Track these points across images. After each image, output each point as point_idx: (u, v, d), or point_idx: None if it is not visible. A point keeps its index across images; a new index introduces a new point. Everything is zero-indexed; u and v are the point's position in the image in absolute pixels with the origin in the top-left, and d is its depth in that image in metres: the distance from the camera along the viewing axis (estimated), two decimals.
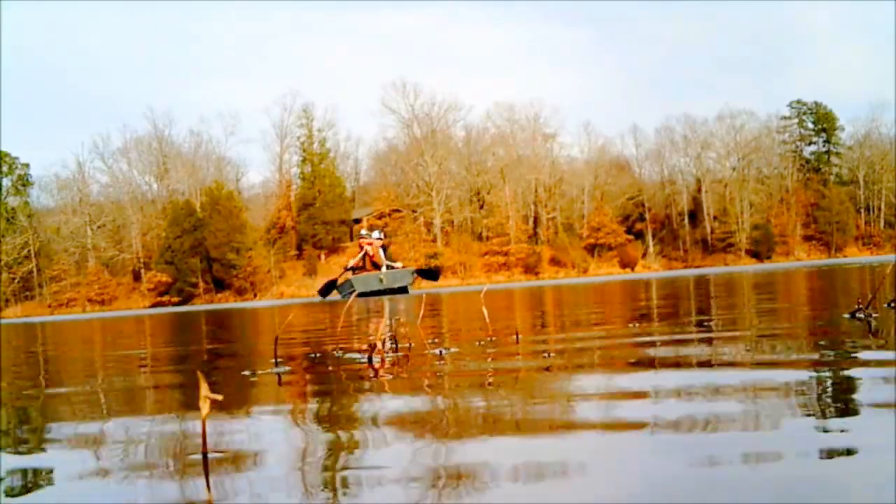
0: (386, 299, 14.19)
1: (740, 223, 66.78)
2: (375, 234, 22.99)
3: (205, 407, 1.11)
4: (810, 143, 72.76)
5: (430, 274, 25.78)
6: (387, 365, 2.60)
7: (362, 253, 22.27)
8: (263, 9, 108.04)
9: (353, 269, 22.00)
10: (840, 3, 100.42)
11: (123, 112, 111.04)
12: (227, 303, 49.72)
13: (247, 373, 2.65)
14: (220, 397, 1.20)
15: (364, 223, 25.39)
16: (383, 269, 21.19)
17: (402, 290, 20.02)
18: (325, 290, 22.48)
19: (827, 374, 1.83)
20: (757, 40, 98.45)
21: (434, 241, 63.18)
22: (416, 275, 23.61)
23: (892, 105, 70.89)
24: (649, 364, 2.23)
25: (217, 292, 58.56)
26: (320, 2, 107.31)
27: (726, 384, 1.74)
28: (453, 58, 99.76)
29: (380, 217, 59.45)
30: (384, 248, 22.23)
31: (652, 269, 60.83)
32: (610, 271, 60.49)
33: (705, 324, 3.56)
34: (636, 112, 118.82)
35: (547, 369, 2.27)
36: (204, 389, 1.11)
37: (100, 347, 5.40)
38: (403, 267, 22.62)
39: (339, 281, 22.13)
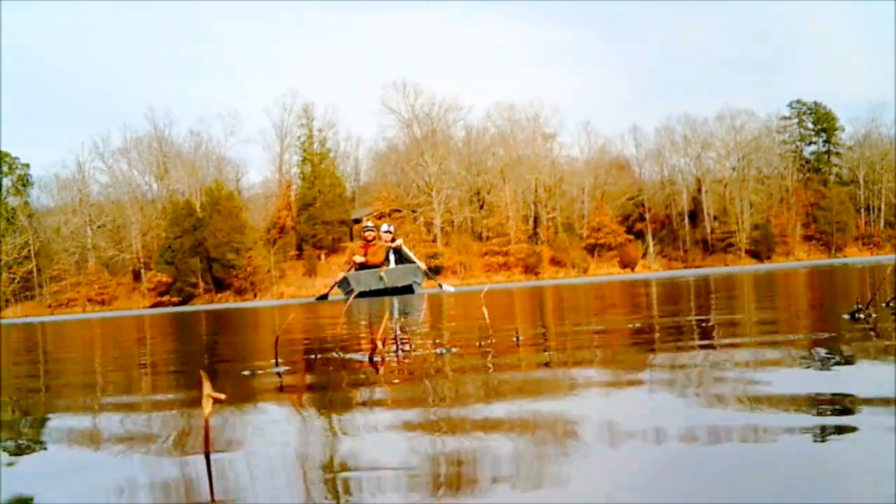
0: (393, 299, 13.68)
1: (740, 223, 66.81)
2: (385, 227, 19.92)
3: (207, 406, 1.11)
4: (810, 143, 72.85)
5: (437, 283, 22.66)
6: (387, 365, 2.60)
7: (353, 263, 19.47)
8: (263, 9, 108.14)
9: (362, 267, 19.14)
10: (840, 3, 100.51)
11: (123, 112, 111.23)
12: (227, 303, 49.73)
13: (247, 373, 2.66)
14: (223, 396, 1.20)
15: (364, 223, 22.46)
16: (391, 265, 18.80)
17: (407, 289, 17.63)
18: (324, 296, 20.31)
19: (825, 372, 1.83)
20: (757, 40, 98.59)
21: (434, 241, 63.21)
22: (428, 273, 20.64)
23: (892, 105, 70.98)
24: (648, 361, 2.23)
25: (217, 292, 58.60)
26: (320, 2, 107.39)
27: (725, 382, 1.74)
28: (453, 58, 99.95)
29: (380, 217, 59.39)
30: (394, 241, 19.55)
31: (652, 269, 60.86)
32: (610, 271, 60.53)
33: (704, 322, 3.56)
34: (636, 112, 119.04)
35: (546, 364, 2.27)
36: (207, 388, 1.11)
37: (99, 346, 5.40)
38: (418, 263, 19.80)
39: (339, 279, 19.47)
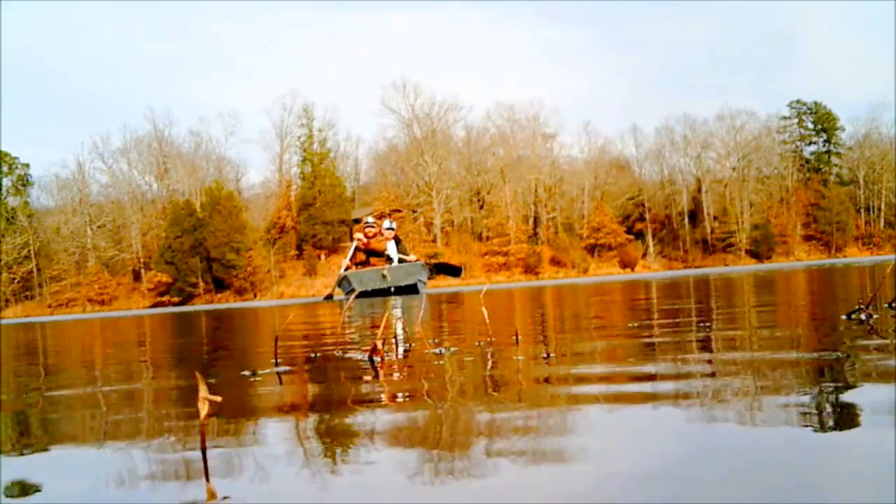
0: (394, 298, 13.48)
1: (740, 223, 66.84)
2: (386, 223, 19.24)
3: (203, 408, 1.11)
4: (810, 143, 72.89)
5: (452, 270, 21.33)
6: (387, 364, 2.60)
7: (353, 245, 18.82)
8: (263, 9, 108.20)
9: (357, 265, 18.55)
10: (840, 2, 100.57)
11: (123, 112, 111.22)
12: (227, 303, 49.73)
13: (246, 373, 2.65)
14: (218, 398, 1.20)
15: (364, 219, 21.14)
16: (394, 263, 18.11)
17: (411, 288, 16.88)
18: (330, 296, 19.51)
19: (825, 373, 1.83)
20: (757, 40, 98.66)
21: (434, 241, 63.24)
22: (433, 271, 19.75)
23: (892, 105, 70.87)
24: (649, 360, 2.23)
25: (217, 292, 58.61)
26: (320, 2, 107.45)
27: (725, 381, 1.74)
28: (453, 58, 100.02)
29: (380, 217, 59.35)
30: (397, 240, 18.94)
31: (652, 270, 60.88)
32: (610, 271, 60.55)
33: (704, 323, 3.56)
34: (636, 112, 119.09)
35: (547, 367, 2.27)
36: (202, 391, 1.11)
37: (99, 346, 5.40)
38: (416, 260, 18.82)
39: (339, 277, 18.63)
